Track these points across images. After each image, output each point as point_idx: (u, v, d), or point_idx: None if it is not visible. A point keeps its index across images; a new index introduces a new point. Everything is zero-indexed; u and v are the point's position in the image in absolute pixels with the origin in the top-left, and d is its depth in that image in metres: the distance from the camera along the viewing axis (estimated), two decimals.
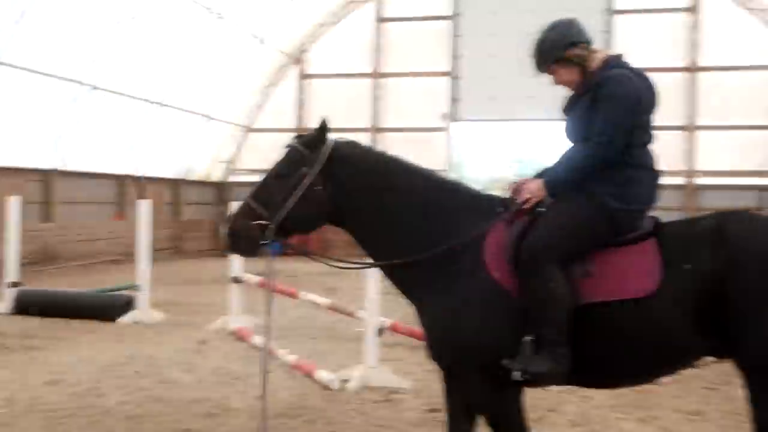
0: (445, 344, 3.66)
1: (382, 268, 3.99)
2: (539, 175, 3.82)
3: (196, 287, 15.51)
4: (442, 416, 6.03)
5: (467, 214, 3.77)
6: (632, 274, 3.50)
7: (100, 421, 6.03)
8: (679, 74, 23.34)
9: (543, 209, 3.69)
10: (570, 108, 3.91)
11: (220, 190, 26.58)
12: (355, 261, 4.21)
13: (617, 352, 3.50)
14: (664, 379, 7.09)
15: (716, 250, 3.43)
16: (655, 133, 3.80)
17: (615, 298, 3.47)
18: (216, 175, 26.39)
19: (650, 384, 7.07)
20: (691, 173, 23.18)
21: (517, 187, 3.78)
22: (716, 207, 22.63)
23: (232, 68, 23.75)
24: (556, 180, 3.71)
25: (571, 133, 3.87)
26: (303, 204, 3.77)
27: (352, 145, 3.96)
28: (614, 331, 3.47)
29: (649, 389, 6.87)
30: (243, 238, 3.81)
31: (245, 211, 3.83)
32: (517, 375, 3.44)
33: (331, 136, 3.91)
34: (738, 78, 23.45)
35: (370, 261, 4.02)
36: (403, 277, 3.84)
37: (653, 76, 3.87)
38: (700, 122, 23.47)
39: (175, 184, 24.01)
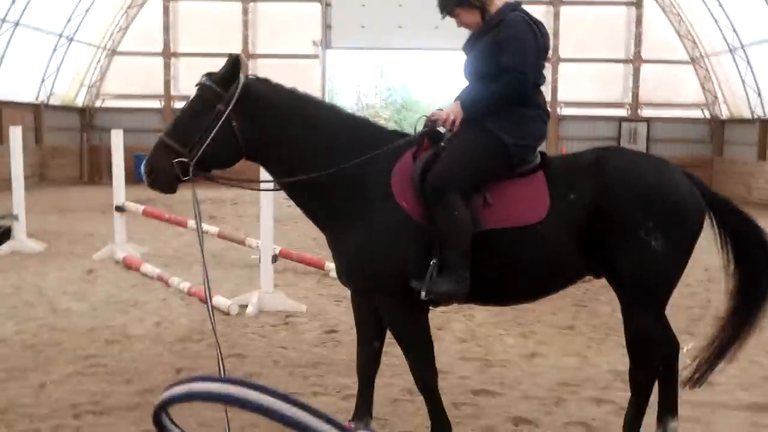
0: (357, 269, 3.96)
1: (292, 195, 4.17)
2: (456, 99, 4.13)
3: (70, 216, 15.10)
4: (340, 336, 6.49)
5: (373, 146, 4.04)
6: (524, 203, 3.92)
7: None
8: (543, 7, 24.19)
9: (443, 144, 4.02)
10: (470, 47, 4.22)
11: (85, 115, 25.52)
12: (265, 181, 4.39)
13: (513, 273, 3.94)
14: None
15: (595, 181, 3.89)
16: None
17: (510, 225, 3.87)
18: (80, 100, 25.25)
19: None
20: (553, 104, 24.36)
21: (436, 115, 4.07)
22: (576, 136, 24.03)
23: None
24: (473, 103, 3.99)
25: (471, 72, 4.18)
26: (219, 141, 3.89)
27: (264, 82, 4.11)
28: (510, 254, 3.89)
29: (525, 308, 7.54)
30: (163, 175, 3.91)
31: (162, 149, 3.91)
32: (423, 295, 3.81)
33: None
34: (598, 12, 24.64)
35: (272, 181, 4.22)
36: (314, 204, 4.07)
37: None
38: (562, 55, 24.54)
39: (36, 108, 22.84)
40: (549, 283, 4.10)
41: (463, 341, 6.41)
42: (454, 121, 3.96)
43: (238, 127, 3.91)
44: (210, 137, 3.87)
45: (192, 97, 4.02)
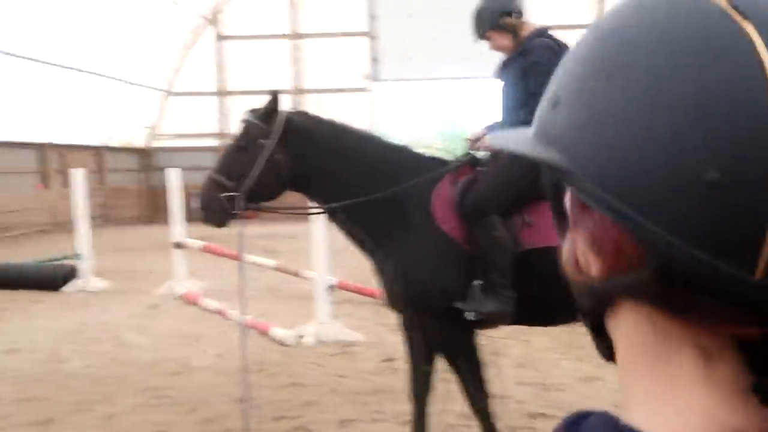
0: (402, 292, 4.05)
1: (338, 224, 4.29)
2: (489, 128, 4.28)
3: (132, 254, 15.53)
4: (397, 364, 6.55)
5: (413, 173, 4.15)
6: None
7: (67, 384, 6.24)
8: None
9: (481, 168, 4.13)
10: (501, 73, 4.35)
11: (144, 156, 26.27)
12: (312, 208, 4.56)
13: (555, 292, 3.97)
14: None
15: None
16: None
17: (550, 244, 3.92)
18: (139, 141, 26.03)
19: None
20: None
21: (476, 137, 4.22)
22: None
23: (148, 32, 23.35)
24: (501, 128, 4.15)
25: (506, 98, 4.30)
26: (265, 173, 4.06)
27: (304, 115, 4.28)
28: (552, 273, 3.94)
29: (582, 331, 7.50)
30: (214, 211, 4.09)
31: (212, 185, 4.09)
32: (469, 315, 3.88)
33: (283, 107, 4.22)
34: None
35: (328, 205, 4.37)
36: (359, 231, 4.19)
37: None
38: None
39: (98, 151, 23.63)
40: None
41: (521, 366, 6.41)
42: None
43: (282, 159, 4.06)
44: (255, 171, 4.03)
45: (237, 133, 4.20)
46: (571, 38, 4.40)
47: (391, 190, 4.01)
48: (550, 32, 4.31)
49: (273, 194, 4.21)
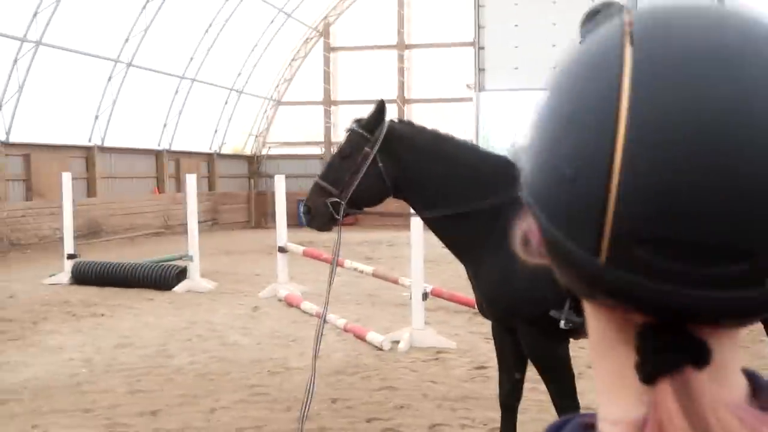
0: (499, 299, 4.12)
1: (436, 230, 4.40)
2: None
3: (238, 257, 16.13)
4: (489, 372, 6.60)
5: (510, 182, 4.20)
6: None
7: (173, 378, 6.60)
8: None
9: None
10: None
11: (253, 163, 27.16)
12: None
13: None
14: None
15: None
16: None
17: None
18: (248, 149, 26.95)
19: None
20: None
21: None
22: None
23: (261, 43, 24.21)
24: None
25: None
26: (367, 180, 4.23)
27: (407, 124, 4.41)
28: None
29: None
30: (319, 215, 4.28)
31: (317, 191, 4.30)
32: (562, 324, 3.91)
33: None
34: None
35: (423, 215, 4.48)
36: (457, 239, 4.28)
37: None
38: None
39: (209, 157, 24.62)
40: None
41: None
42: None
43: (384, 167, 4.21)
44: (359, 178, 4.20)
45: (342, 141, 4.38)
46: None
47: (485, 203, 4.09)
48: None
49: (375, 200, 4.37)
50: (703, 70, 0.54)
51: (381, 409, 5.65)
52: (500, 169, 4.29)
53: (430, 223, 4.37)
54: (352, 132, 4.32)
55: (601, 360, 0.64)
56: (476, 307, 4.46)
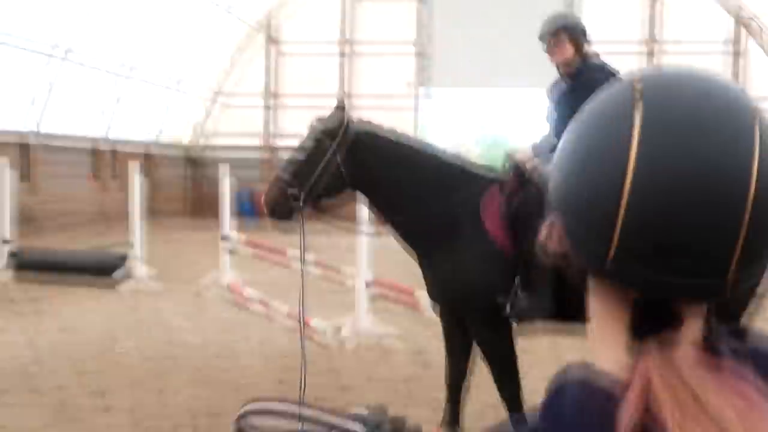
0: (451, 290, 4.39)
1: (393, 229, 4.65)
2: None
3: (177, 246, 16.13)
4: (429, 357, 6.88)
5: (465, 182, 4.48)
6: None
7: (120, 362, 6.69)
8: (635, 46, 24.22)
9: (527, 177, 4.44)
10: (551, 94, 4.66)
11: (191, 153, 26.95)
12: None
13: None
14: None
15: None
16: None
17: None
18: (187, 140, 26.73)
19: None
20: None
21: (522, 157, 4.53)
22: None
23: (203, 35, 24.02)
24: (539, 145, 4.49)
25: (549, 116, 4.62)
26: (327, 176, 4.46)
27: (368, 125, 4.65)
28: None
29: None
30: (280, 206, 4.49)
31: (279, 185, 4.51)
32: (508, 311, 4.20)
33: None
34: (694, 59, 24.51)
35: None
36: (413, 236, 4.54)
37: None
38: None
39: (147, 147, 24.34)
40: None
41: (548, 364, 6.69)
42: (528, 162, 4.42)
43: (343, 163, 4.44)
44: (319, 173, 4.41)
45: (304, 137, 4.59)
46: (618, 54, 4.74)
47: (441, 209, 4.36)
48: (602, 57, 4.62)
49: (332, 194, 4.60)
50: (693, 133, 0.77)
51: (327, 390, 5.85)
52: (455, 169, 4.56)
53: (388, 221, 4.61)
54: (313, 128, 4.54)
55: (602, 322, 0.87)
56: (428, 295, 4.72)
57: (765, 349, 0.83)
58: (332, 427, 1.19)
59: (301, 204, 4.43)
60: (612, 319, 0.85)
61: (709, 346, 0.81)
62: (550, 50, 4.63)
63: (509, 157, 4.52)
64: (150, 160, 24.28)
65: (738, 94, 0.82)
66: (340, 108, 4.54)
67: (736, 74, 24.42)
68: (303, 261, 4.60)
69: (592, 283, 0.88)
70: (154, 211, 23.36)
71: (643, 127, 0.78)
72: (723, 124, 0.78)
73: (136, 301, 9.40)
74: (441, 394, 5.43)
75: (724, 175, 0.76)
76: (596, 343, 0.88)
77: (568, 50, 4.55)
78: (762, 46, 24.21)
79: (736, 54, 24.54)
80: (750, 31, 24.36)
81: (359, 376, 6.31)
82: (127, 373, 6.32)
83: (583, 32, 4.59)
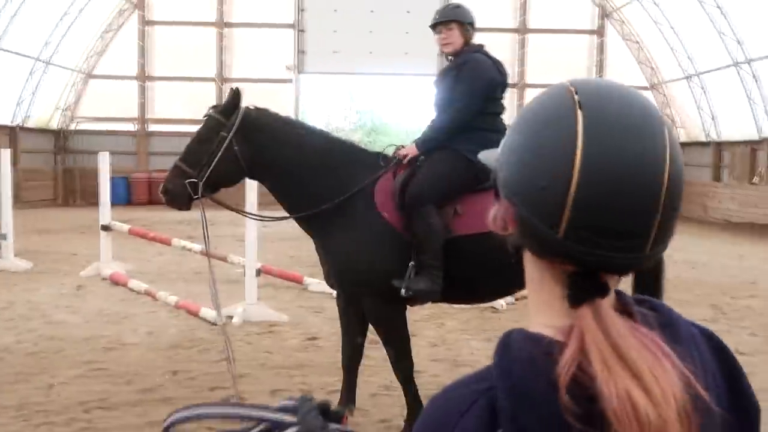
0: (346, 271, 4.55)
1: (290, 212, 4.77)
2: (415, 140, 4.78)
3: (50, 236, 15.48)
4: (320, 342, 7.04)
5: (358, 167, 4.66)
6: (488, 212, 4.54)
7: (2, 358, 6.46)
8: (510, 35, 25.14)
9: (419, 164, 4.65)
10: (439, 82, 4.88)
11: (60, 138, 25.83)
12: (263, 215, 4.97)
13: (480, 273, 4.52)
14: (503, 306, 8.40)
15: None
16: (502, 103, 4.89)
17: (477, 231, 4.46)
18: (55, 123, 25.57)
19: (493, 311, 8.35)
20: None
21: (399, 150, 4.73)
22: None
23: (71, 11, 23.04)
24: (425, 140, 4.68)
25: (436, 104, 4.84)
26: (223, 163, 4.54)
27: (262, 112, 4.73)
28: (477, 257, 4.48)
29: (489, 316, 8.16)
30: (177, 195, 4.53)
31: (176, 172, 4.56)
32: (403, 292, 4.40)
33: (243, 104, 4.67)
34: (562, 40, 25.61)
35: (281, 214, 4.85)
36: (309, 222, 4.68)
37: None
38: (528, 81, 25.44)
39: (12, 131, 23.14)
40: (510, 283, 4.68)
41: (434, 345, 7.00)
42: (412, 158, 4.61)
43: (240, 150, 4.52)
44: (215, 160, 4.48)
45: (200, 126, 4.64)
46: (493, 41, 5.00)
47: (340, 199, 4.49)
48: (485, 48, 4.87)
49: (230, 181, 4.70)
50: (624, 134, 0.95)
51: (222, 379, 5.90)
52: (347, 153, 4.72)
53: (284, 203, 4.72)
54: (209, 117, 4.61)
55: (538, 293, 1.05)
56: (324, 279, 4.86)
57: (667, 318, 1.03)
58: (266, 421, 1.16)
59: (199, 192, 4.49)
60: (547, 290, 1.03)
61: (623, 311, 1.00)
62: (440, 39, 4.85)
63: (396, 152, 4.72)
64: (16, 145, 23.10)
65: (649, 103, 1.01)
66: (234, 95, 4.60)
67: (600, 62, 25.77)
68: (208, 249, 4.65)
69: (530, 261, 1.05)
70: (20, 201, 22.32)
71: (585, 128, 0.96)
72: (645, 126, 0.97)
73: (11, 295, 9.04)
74: (334, 378, 5.62)
75: (650, 167, 0.95)
76: (532, 310, 1.05)
77: (457, 41, 4.79)
78: (623, 37, 25.62)
79: (600, 44, 25.84)
80: (612, 22, 25.71)
81: (253, 363, 6.39)
82: (11, 369, 6.13)
83: (472, 24, 4.83)
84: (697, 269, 12.24)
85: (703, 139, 23.37)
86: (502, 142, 1.07)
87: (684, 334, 1.02)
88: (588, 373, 0.91)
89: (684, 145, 25.04)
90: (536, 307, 1.05)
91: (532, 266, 1.06)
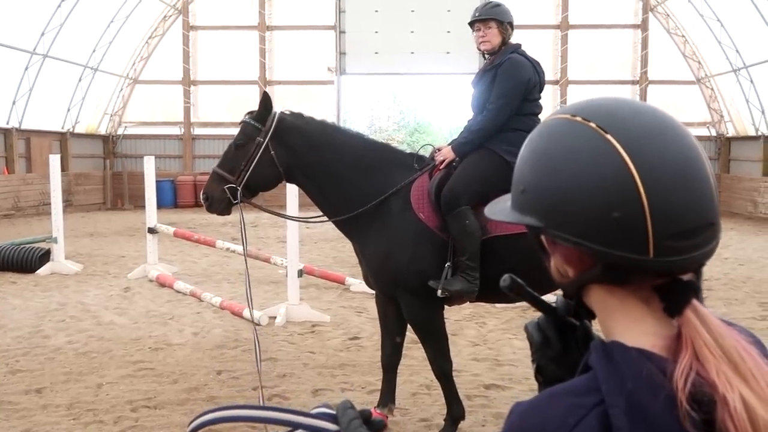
0: (384, 272, 4.60)
1: (327, 215, 4.86)
2: (450, 142, 4.81)
3: (99, 239, 15.82)
4: (362, 342, 7.10)
5: (394, 168, 4.71)
6: None
7: (54, 358, 6.66)
8: (551, 31, 24.95)
9: (454, 164, 4.68)
10: (477, 82, 4.89)
11: (108, 142, 26.37)
12: (305, 217, 5.05)
13: (516, 273, 4.52)
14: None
15: None
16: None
17: (512, 232, 4.48)
18: (103, 128, 26.12)
19: (535, 310, 8.36)
20: None
21: (435, 152, 4.76)
22: None
23: (117, 19, 23.51)
24: (460, 143, 4.70)
25: (474, 105, 4.85)
26: (261, 167, 4.63)
27: (296, 116, 4.80)
28: (513, 256, 4.49)
29: (532, 315, 8.12)
30: (217, 201, 4.64)
31: (215, 179, 4.68)
32: (439, 293, 4.44)
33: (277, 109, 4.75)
34: (605, 35, 25.30)
35: (319, 215, 4.92)
36: (345, 223, 4.74)
37: None
38: (570, 77, 25.20)
39: (62, 137, 23.71)
40: (545, 284, 4.68)
41: (476, 344, 7.01)
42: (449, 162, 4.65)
43: (276, 154, 4.61)
44: (253, 165, 4.57)
45: (237, 133, 4.74)
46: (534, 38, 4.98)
47: (377, 201, 4.54)
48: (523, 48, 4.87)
49: (268, 185, 4.80)
50: (653, 133, 0.98)
51: (265, 378, 5.99)
52: (383, 155, 4.77)
53: (322, 207, 4.80)
54: (244, 123, 4.71)
55: (622, 320, 1.05)
56: (363, 279, 4.93)
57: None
58: (303, 427, 1.14)
59: (239, 197, 4.60)
60: (635, 311, 1.04)
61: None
62: (478, 36, 4.84)
63: (433, 154, 4.76)
64: (66, 150, 23.67)
65: (658, 108, 1.05)
66: (265, 101, 4.69)
67: (643, 57, 25.40)
68: (246, 251, 4.74)
69: (604, 293, 1.07)
70: (72, 205, 22.89)
71: (624, 146, 0.98)
72: (661, 119, 1.01)
73: (62, 297, 9.29)
74: (375, 378, 5.68)
75: (691, 153, 0.99)
76: (618, 328, 1.05)
77: (496, 41, 4.79)
78: (668, 31, 25.22)
79: (644, 39, 25.47)
80: (656, 15, 25.32)
81: (296, 362, 6.47)
82: (62, 368, 6.31)
83: (511, 24, 4.84)
84: (746, 266, 12.01)
85: (752, 133, 22.88)
86: (526, 198, 1.09)
87: (745, 334, 1.03)
88: (705, 379, 0.93)
89: (732, 139, 24.59)
90: (621, 332, 1.05)
91: (606, 296, 1.07)
